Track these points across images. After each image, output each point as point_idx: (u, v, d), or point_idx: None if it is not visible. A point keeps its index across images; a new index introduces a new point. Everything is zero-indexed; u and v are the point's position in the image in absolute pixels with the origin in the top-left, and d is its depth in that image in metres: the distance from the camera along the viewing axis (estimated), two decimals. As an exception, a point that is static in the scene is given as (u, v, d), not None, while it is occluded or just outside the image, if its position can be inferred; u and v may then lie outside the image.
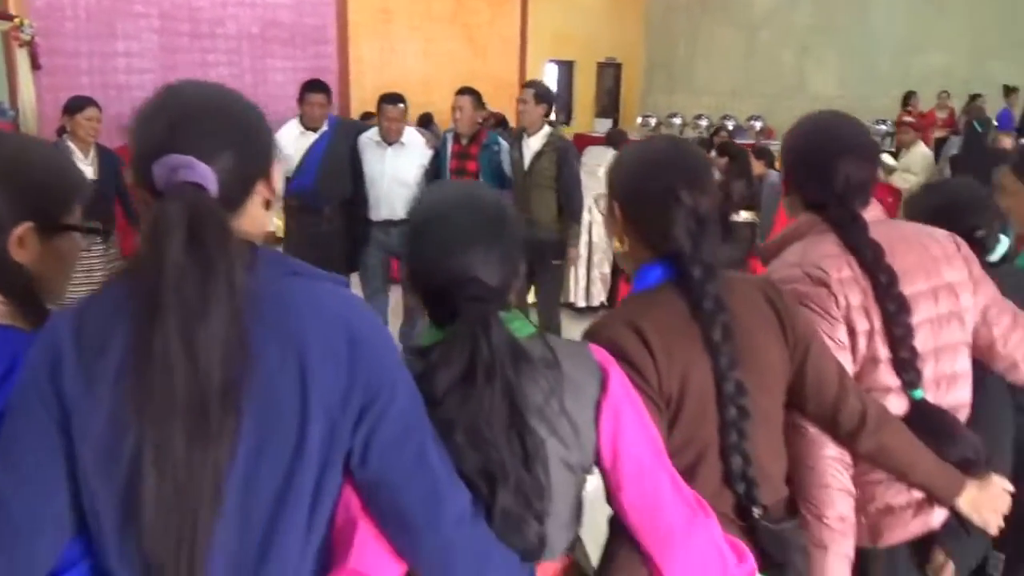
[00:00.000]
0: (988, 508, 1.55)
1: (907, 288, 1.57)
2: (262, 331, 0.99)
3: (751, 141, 8.70)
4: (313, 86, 4.67)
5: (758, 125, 9.97)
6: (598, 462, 1.24)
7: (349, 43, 9.83)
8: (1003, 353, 1.69)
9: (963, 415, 1.65)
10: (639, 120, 12.64)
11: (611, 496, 1.25)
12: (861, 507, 1.57)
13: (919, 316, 1.58)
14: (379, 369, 1.05)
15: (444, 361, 1.13)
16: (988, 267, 1.86)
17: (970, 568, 1.71)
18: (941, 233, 1.70)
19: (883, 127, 9.12)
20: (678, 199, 1.38)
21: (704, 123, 10.34)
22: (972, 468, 1.55)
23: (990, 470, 1.58)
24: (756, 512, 1.38)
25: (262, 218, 1.09)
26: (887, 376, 1.58)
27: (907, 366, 1.57)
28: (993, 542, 1.85)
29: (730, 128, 9.39)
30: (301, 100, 4.65)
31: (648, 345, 1.33)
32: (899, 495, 1.59)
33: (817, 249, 1.61)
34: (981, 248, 1.93)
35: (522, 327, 1.23)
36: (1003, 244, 2.00)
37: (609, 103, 13.69)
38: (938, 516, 1.61)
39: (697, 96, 13.01)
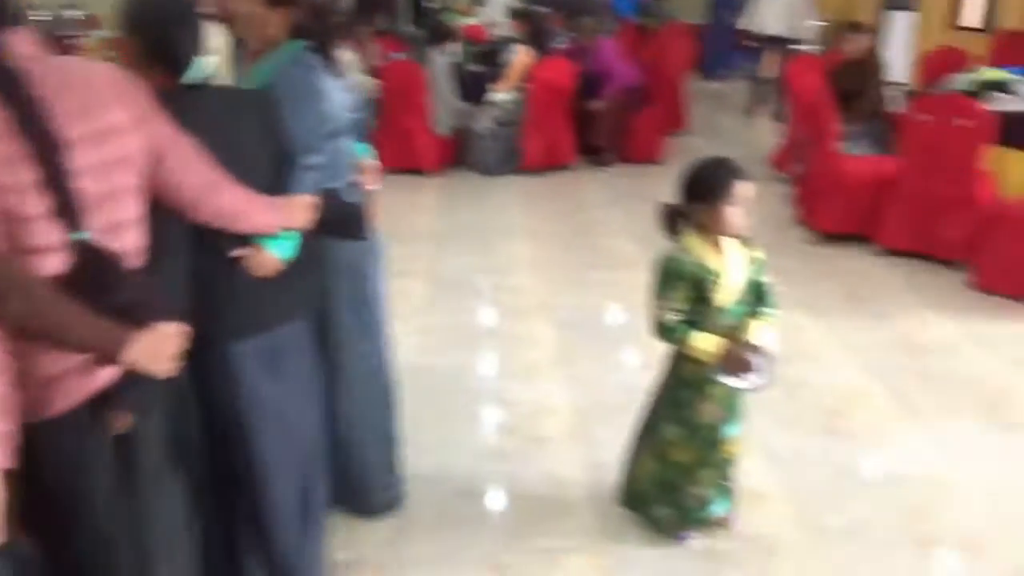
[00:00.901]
0: (156, 356, 1.52)
1: (69, 132, 1.46)
2: None
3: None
4: None
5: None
6: None
7: None
8: (178, 194, 1.69)
9: (134, 261, 1.59)
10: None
11: None
12: (21, 381, 1.43)
13: (82, 162, 1.47)
14: None
15: None
16: (186, 89, 1.83)
17: (155, 411, 1.70)
18: (106, 69, 1.61)
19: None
20: None
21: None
22: (137, 314, 1.51)
23: (161, 315, 1.55)
24: None
25: None
26: (42, 234, 1.43)
27: (67, 218, 1.45)
28: None
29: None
30: None
31: None
32: (63, 360, 1.49)
33: None
34: (177, 68, 1.83)
35: None
36: (198, 65, 1.86)
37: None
38: (109, 372, 1.54)
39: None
